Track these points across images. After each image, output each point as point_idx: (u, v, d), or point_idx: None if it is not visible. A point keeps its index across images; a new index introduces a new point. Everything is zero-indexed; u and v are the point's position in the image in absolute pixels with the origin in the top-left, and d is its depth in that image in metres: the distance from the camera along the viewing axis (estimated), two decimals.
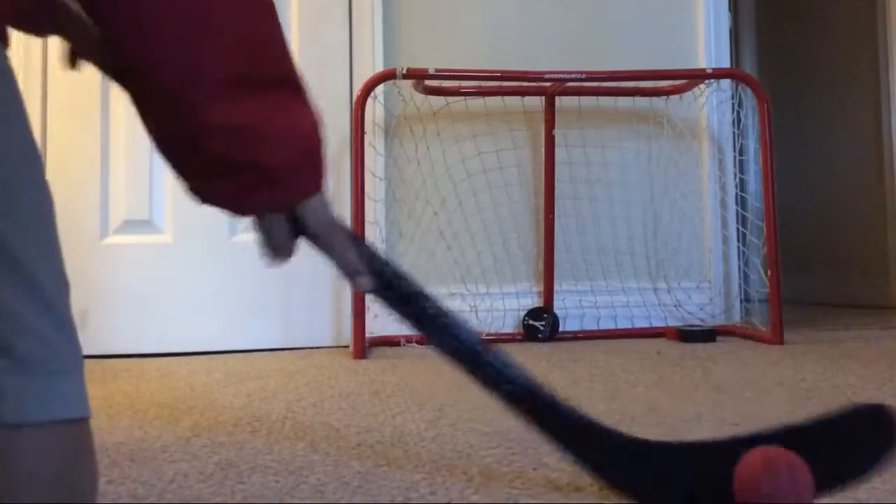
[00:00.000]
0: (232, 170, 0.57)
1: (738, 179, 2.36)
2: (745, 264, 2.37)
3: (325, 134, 0.65)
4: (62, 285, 0.51)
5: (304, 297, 2.12)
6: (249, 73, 0.54)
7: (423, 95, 2.17)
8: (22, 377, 0.46)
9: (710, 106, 2.36)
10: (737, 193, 2.37)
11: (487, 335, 2.11)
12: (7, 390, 0.45)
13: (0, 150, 0.48)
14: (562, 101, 2.23)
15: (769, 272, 2.03)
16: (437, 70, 1.99)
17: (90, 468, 0.52)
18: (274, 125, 0.57)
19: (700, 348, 1.92)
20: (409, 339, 2.06)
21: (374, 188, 2.13)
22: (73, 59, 0.70)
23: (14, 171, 0.49)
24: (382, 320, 2.14)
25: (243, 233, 2.12)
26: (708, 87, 2.30)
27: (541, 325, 2.14)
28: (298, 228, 0.69)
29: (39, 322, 0.48)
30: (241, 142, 0.55)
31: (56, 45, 2.05)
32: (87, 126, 2.07)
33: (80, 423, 0.50)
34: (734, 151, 2.35)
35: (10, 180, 0.48)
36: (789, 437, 0.67)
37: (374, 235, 2.12)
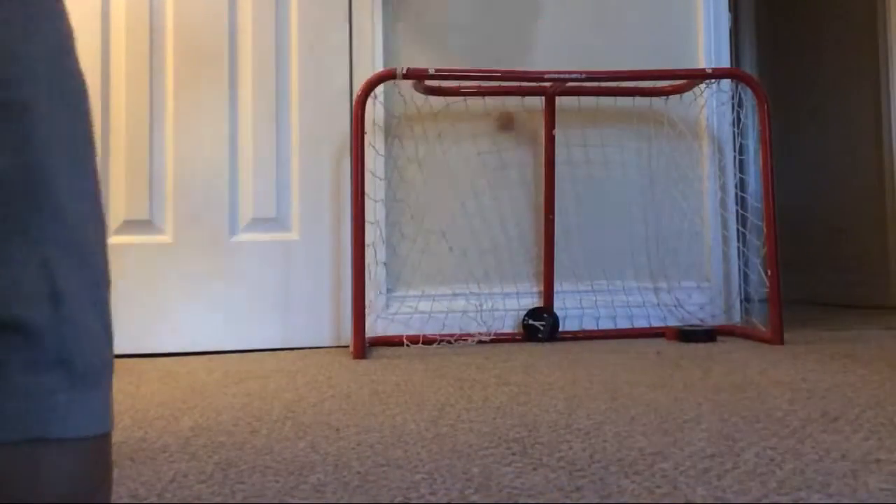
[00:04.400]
0: None
1: (738, 179, 2.36)
2: (745, 264, 2.37)
3: None
4: (103, 292, 0.49)
5: (304, 297, 2.12)
6: None
7: (423, 96, 2.17)
8: (74, 393, 0.45)
9: (710, 106, 2.36)
10: (737, 193, 2.37)
11: (488, 335, 2.11)
12: (59, 406, 0.44)
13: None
14: (562, 101, 2.24)
15: (769, 272, 2.03)
16: (437, 70, 1.99)
17: (106, 482, 0.51)
18: None
19: (700, 348, 1.92)
20: (411, 339, 2.06)
21: (374, 188, 2.13)
22: None
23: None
24: (382, 320, 2.14)
25: (243, 233, 2.12)
26: (708, 87, 2.30)
27: (541, 325, 2.14)
28: None
29: (96, 325, 0.46)
30: None
31: None
32: None
33: (104, 438, 0.49)
34: (734, 151, 2.36)
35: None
36: None
37: (375, 236, 2.12)
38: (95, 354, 0.45)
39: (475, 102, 2.23)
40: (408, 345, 2.04)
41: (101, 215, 0.50)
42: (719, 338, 2.08)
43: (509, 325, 2.20)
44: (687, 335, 2.07)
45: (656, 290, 2.31)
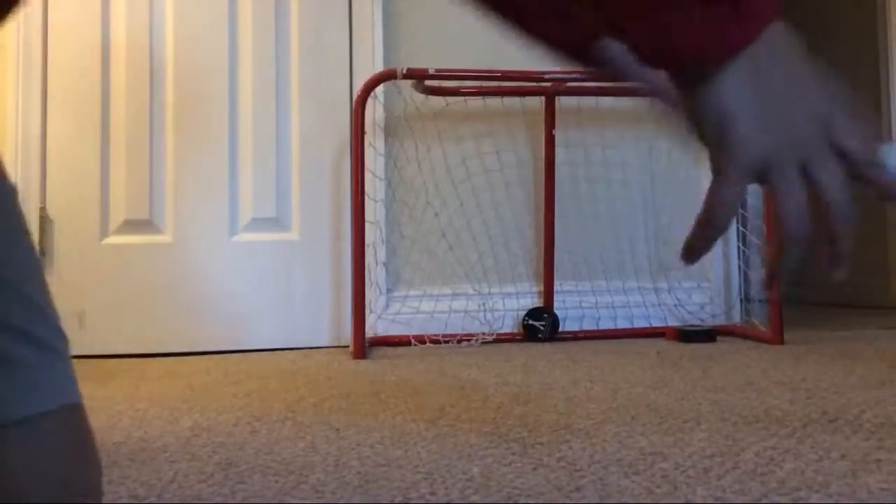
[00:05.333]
0: None
1: None
2: (745, 264, 2.37)
3: None
4: (31, 266, 0.49)
5: (304, 297, 2.12)
6: None
7: (423, 96, 2.17)
8: (9, 379, 0.45)
9: None
10: None
11: (488, 335, 2.11)
12: (20, 382, 0.45)
13: None
14: (562, 101, 2.23)
15: (769, 272, 2.02)
16: (437, 70, 1.99)
17: (85, 455, 0.51)
18: None
19: (700, 348, 1.92)
20: (413, 340, 2.06)
21: (375, 188, 2.13)
22: None
23: None
24: (383, 320, 2.14)
25: (243, 233, 2.12)
26: None
27: (541, 325, 2.14)
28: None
29: (14, 315, 0.46)
30: None
31: (56, 44, 2.05)
32: (88, 126, 2.07)
33: (67, 410, 0.49)
34: None
35: None
36: None
37: (375, 236, 2.12)
38: (56, 332, 0.46)
39: (475, 102, 2.22)
40: (410, 345, 2.04)
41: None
42: (719, 338, 2.08)
43: (509, 325, 2.20)
44: (687, 335, 2.07)
45: (656, 290, 2.31)
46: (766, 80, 0.37)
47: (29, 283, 0.48)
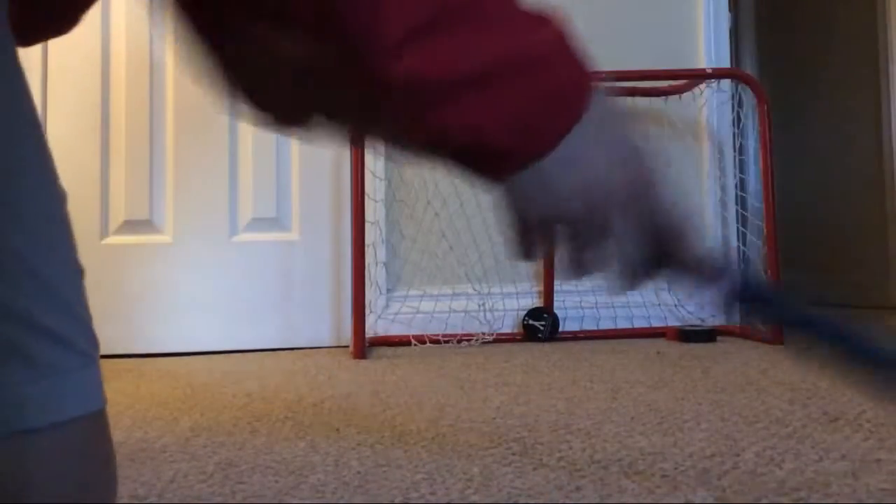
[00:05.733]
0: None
1: (738, 179, 2.36)
2: (745, 264, 2.37)
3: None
4: (69, 272, 0.49)
5: (304, 297, 2.12)
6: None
7: None
8: (41, 382, 0.45)
9: (710, 106, 2.36)
10: (737, 193, 2.37)
11: (488, 335, 2.11)
12: (27, 398, 0.44)
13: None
14: None
15: (769, 272, 2.03)
16: None
17: (107, 458, 0.51)
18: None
19: (700, 348, 1.92)
20: (413, 340, 2.06)
21: (375, 188, 2.13)
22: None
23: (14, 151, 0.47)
24: (383, 320, 2.14)
25: (243, 233, 2.12)
26: (708, 87, 2.30)
27: (541, 325, 2.14)
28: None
29: (58, 322, 0.46)
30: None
31: (56, 44, 2.05)
32: (88, 126, 2.07)
33: (94, 416, 0.49)
34: (734, 151, 2.35)
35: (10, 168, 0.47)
36: None
37: (375, 236, 2.12)
38: (54, 348, 0.46)
39: None
40: (410, 345, 2.04)
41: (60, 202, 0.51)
42: (719, 338, 2.08)
43: (509, 325, 2.20)
44: (687, 335, 2.07)
45: (656, 290, 2.31)
46: (577, 159, 0.40)
47: (66, 286, 0.48)
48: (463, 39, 0.38)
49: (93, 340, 0.49)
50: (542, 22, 0.41)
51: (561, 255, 0.44)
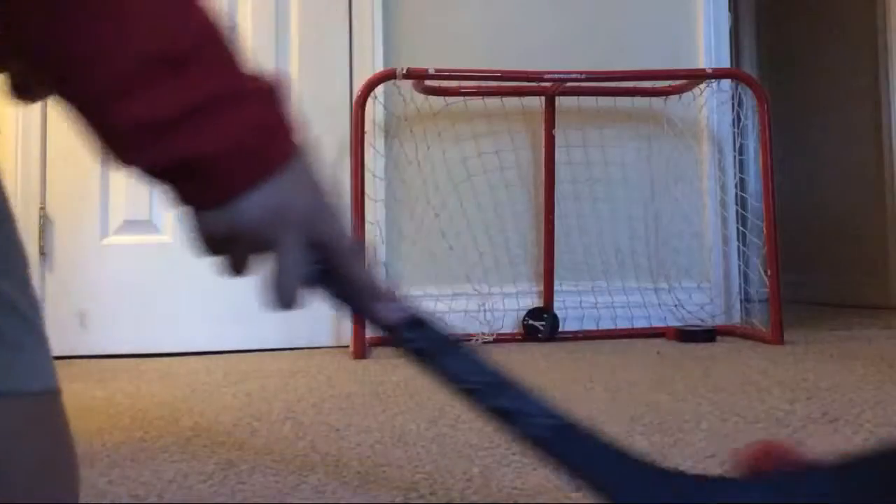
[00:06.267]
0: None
1: (738, 179, 2.36)
2: (745, 264, 2.37)
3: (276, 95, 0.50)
4: (23, 250, 0.51)
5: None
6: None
7: (423, 96, 2.17)
8: (6, 356, 0.46)
9: (710, 106, 2.36)
10: (737, 193, 2.37)
11: (489, 335, 2.11)
12: None
13: None
14: (562, 101, 2.23)
15: (769, 272, 2.03)
16: (437, 70, 1.99)
17: (69, 442, 0.52)
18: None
19: (700, 348, 1.92)
20: None
21: (374, 188, 2.13)
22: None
23: None
24: None
25: None
26: (708, 87, 2.30)
27: (541, 325, 2.14)
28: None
29: (15, 295, 0.48)
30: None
31: None
32: None
33: (54, 394, 0.50)
34: (734, 151, 2.35)
35: None
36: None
37: (375, 236, 2.12)
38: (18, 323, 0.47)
39: (475, 102, 2.22)
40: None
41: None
42: (719, 338, 2.08)
43: (509, 325, 2.20)
44: (687, 335, 2.07)
45: (656, 290, 2.31)
46: (260, 203, 0.46)
47: (26, 269, 0.50)
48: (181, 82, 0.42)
49: (43, 323, 0.50)
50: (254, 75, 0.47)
51: (226, 261, 0.50)
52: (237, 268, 0.51)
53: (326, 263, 0.49)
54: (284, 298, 0.49)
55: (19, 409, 0.46)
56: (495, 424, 0.53)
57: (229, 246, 0.49)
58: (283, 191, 0.47)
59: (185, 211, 0.48)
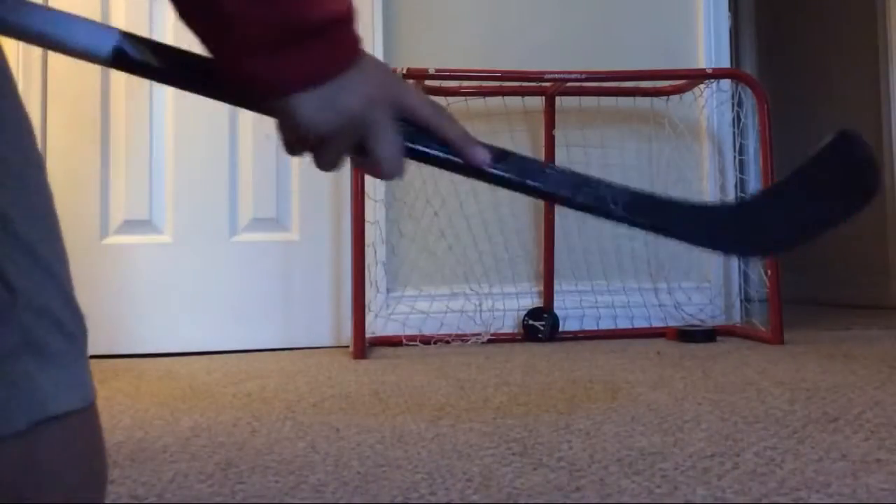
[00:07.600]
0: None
1: (738, 179, 2.36)
2: (745, 264, 2.37)
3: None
4: (66, 262, 0.50)
5: (304, 297, 2.12)
6: None
7: None
8: (52, 372, 0.45)
9: (710, 106, 2.36)
10: (737, 193, 2.37)
11: (488, 335, 2.11)
12: (37, 389, 0.45)
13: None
14: (562, 101, 2.23)
15: (769, 272, 2.03)
16: (437, 70, 1.99)
17: (103, 449, 0.52)
18: None
19: (700, 348, 1.92)
20: (410, 339, 2.06)
21: (374, 188, 2.12)
22: None
23: (13, 148, 0.48)
24: (382, 319, 2.14)
25: (243, 233, 2.12)
26: (708, 87, 2.30)
27: (541, 325, 2.14)
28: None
29: (63, 312, 0.47)
30: None
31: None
32: (88, 127, 2.07)
33: (93, 407, 0.50)
34: (734, 151, 2.35)
35: (9, 158, 0.47)
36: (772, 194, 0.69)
37: (374, 236, 2.11)
38: (63, 339, 0.46)
39: (475, 102, 2.22)
40: (408, 344, 2.04)
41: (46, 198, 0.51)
42: (719, 338, 2.08)
43: (509, 325, 2.20)
44: (687, 335, 2.07)
45: (656, 291, 2.31)
46: (339, 90, 0.49)
47: (66, 270, 0.49)
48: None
49: (84, 329, 0.49)
50: None
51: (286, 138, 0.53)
52: (333, 162, 0.53)
53: (416, 125, 0.55)
54: (394, 168, 0.53)
55: (61, 434, 0.46)
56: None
57: (330, 138, 0.52)
58: (367, 72, 0.51)
59: (288, 103, 0.49)
